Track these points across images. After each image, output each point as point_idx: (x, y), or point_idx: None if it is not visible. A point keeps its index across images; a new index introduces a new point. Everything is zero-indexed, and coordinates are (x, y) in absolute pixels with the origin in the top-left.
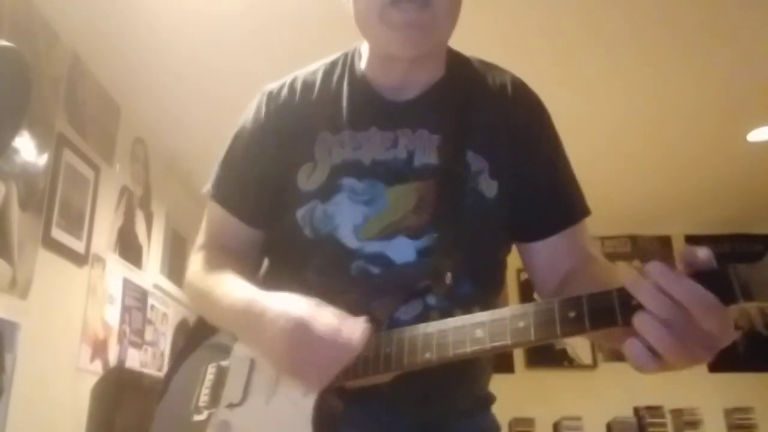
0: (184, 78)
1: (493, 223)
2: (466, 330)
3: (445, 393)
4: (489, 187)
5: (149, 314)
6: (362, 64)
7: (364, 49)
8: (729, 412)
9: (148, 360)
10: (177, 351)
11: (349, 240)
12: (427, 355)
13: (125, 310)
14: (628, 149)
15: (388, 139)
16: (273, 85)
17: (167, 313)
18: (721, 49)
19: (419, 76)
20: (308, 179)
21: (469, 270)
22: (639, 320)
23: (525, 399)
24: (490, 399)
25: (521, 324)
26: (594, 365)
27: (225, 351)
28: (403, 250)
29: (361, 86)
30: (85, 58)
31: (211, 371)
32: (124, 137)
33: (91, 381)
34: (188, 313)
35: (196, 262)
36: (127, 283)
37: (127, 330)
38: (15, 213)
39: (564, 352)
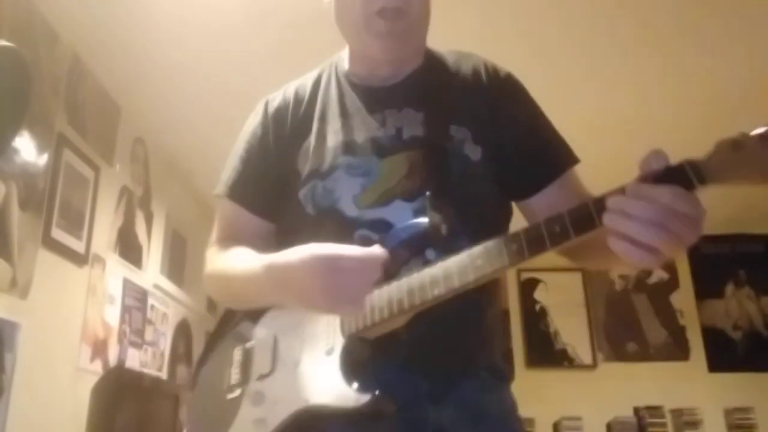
0: (184, 78)
1: (481, 181)
2: (467, 261)
3: (457, 348)
4: (474, 152)
5: (149, 314)
6: (345, 65)
7: (345, 52)
8: (729, 412)
9: (148, 360)
10: (206, 342)
11: (350, 209)
12: (436, 291)
13: (125, 310)
14: (628, 149)
15: (377, 120)
16: (272, 95)
17: (167, 313)
18: (721, 49)
19: (400, 69)
20: (307, 163)
21: (464, 225)
22: (606, 216)
23: (525, 399)
24: (507, 373)
25: (514, 246)
26: (594, 365)
27: (248, 336)
28: (400, 213)
29: (347, 82)
30: (85, 58)
31: (237, 353)
32: (124, 137)
33: (91, 381)
34: (188, 313)
35: (211, 253)
36: (127, 283)
37: (127, 330)
38: (15, 213)
39: (564, 352)
